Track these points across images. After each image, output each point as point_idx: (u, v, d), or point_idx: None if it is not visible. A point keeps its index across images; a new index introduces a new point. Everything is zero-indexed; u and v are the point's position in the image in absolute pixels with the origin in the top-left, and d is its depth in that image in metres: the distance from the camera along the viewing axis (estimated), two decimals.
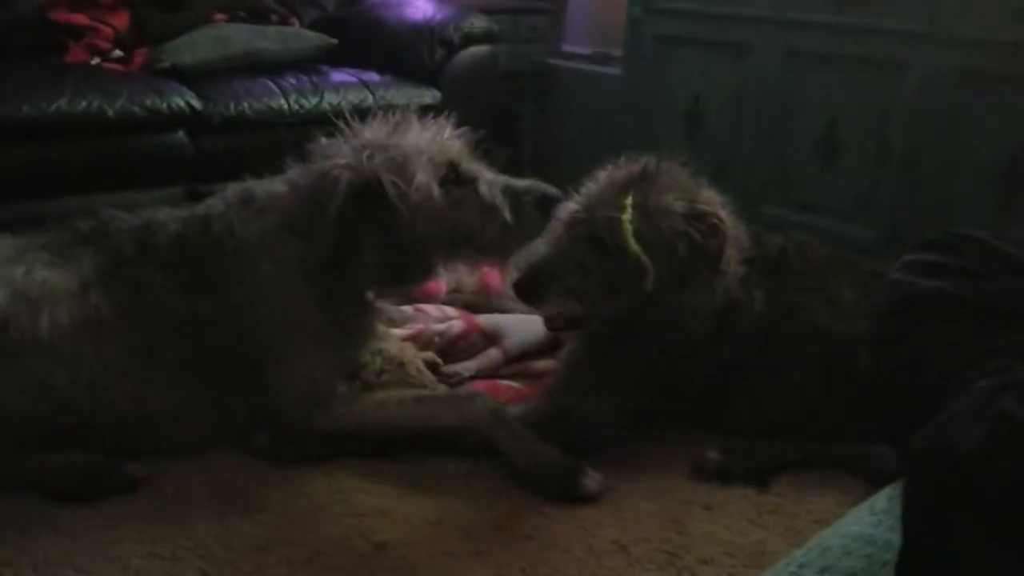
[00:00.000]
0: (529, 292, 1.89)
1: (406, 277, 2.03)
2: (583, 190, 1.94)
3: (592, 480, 1.85)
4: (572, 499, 1.84)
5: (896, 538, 1.06)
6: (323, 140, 1.98)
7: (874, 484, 1.60)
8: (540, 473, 1.86)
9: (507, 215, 1.90)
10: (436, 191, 1.89)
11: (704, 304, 1.92)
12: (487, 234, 1.92)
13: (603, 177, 1.93)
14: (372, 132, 1.95)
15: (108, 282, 1.85)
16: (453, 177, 1.92)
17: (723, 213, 1.91)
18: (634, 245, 1.80)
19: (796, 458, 1.98)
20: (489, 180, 1.95)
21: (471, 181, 1.94)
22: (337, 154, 1.91)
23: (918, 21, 2.90)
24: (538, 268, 1.88)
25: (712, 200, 1.93)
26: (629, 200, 1.82)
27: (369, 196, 1.86)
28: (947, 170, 2.90)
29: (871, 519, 1.15)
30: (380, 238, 1.88)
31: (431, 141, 1.94)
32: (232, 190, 2.02)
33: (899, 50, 2.96)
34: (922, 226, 2.66)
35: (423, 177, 1.88)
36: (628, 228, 1.81)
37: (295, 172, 1.99)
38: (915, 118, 2.94)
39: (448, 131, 1.97)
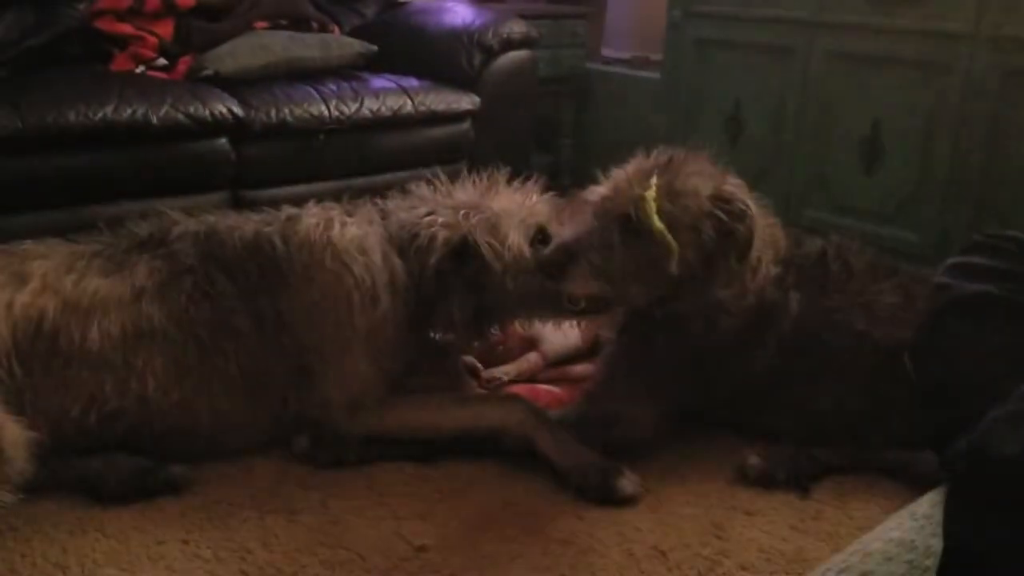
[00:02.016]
0: (554, 268, 1.87)
1: (484, 333, 2.11)
2: (610, 175, 1.94)
3: (629, 482, 1.85)
4: (609, 501, 1.83)
5: (937, 544, 1.04)
6: (422, 187, 2.10)
7: (917, 489, 1.58)
8: (578, 474, 1.86)
9: None
10: (527, 251, 1.98)
11: (736, 299, 1.90)
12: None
13: (630, 164, 1.92)
14: (464, 193, 2.06)
15: (164, 290, 1.86)
16: (541, 239, 2.02)
17: (750, 200, 1.87)
18: (658, 223, 1.79)
19: (838, 464, 1.96)
20: None
21: None
22: (434, 210, 2.01)
23: (963, 22, 2.86)
24: (564, 246, 1.87)
25: (739, 187, 1.90)
26: (654, 180, 1.82)
27: (464, 254, 1.95)
28: (993, 172, 2.85)
29: (912, 524, 1.14)
30: (470, 294, 1.97)
31: (521, 204, 2.04)
32: (326, 202, 2.10)
33: (943, 51, 2.93)
34: (968, 229, 2.63)
35: (515, 237, 1.98)
36: (652, 205, 1.79)
37: (395, 203, 2.09)
38: (960, 119, 2.90)
39: (536, 195, 2.08)
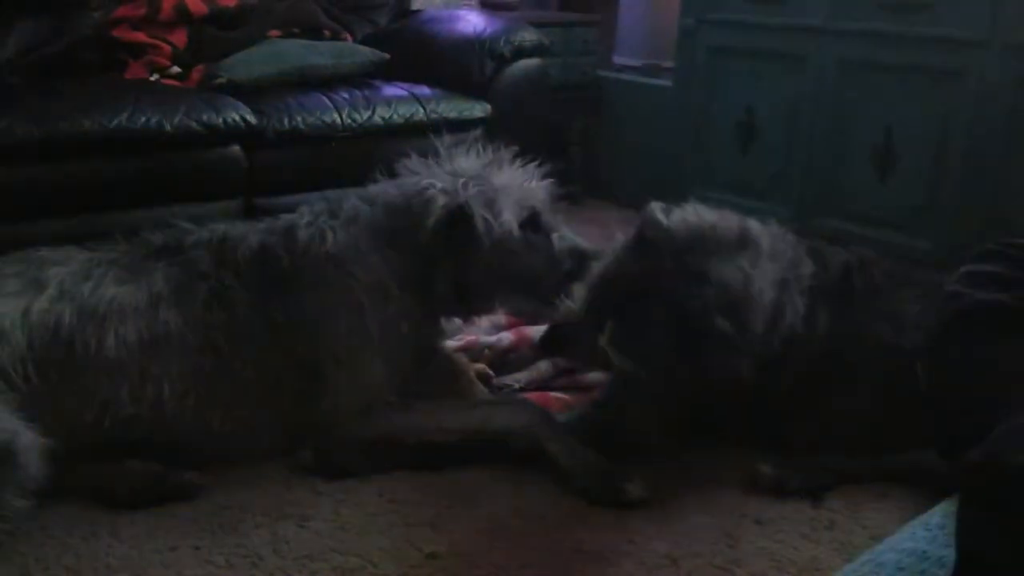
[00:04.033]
0: (549, 350, 2.07)
1: (468, 308, 2.12)
2: (604, 258, 2.00)
3: (637, 486, 1.85)
4: (616, 504, 1.84)
5: (950, 554, 1.04)
6: (415, 158, 2.11)
7: (930, 499, 1.57)
8: (585, 477, 1.87)
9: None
10: (517, 232, 2.01)
11: (763, 345, 1.88)
12: (546, 285, 2.04)
13: (616, 251, 1.97)
14: (467, 162, 2.08)
15: (181, 297, 1.88)
16: (532, 225, 2.05)
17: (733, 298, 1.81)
18: (617, 360, 1.87)
19: (851, 473, 1.95)
20: (561, 236, 2.08)
21: (547, 231, 2.06)
22: (433, 175, 2.04)
23: (977, 28, 2.85)
24: (557, 329, 2.04)
25: (740, 277, 1.84)
26: (610, 325, 1.86)
27: (456, 222, 1.96)
28: (1006, 179, 2.84)
29: (925, 535, 1.13)
30: (456, 264, 2.00)
31: (520, 184, 2.06)
32: (314, 203, 2.12)
33: (957, 58, 2.92)
34: (981, 237, 2.61)
35: (509, 216, 2.00)
36: (610, 350, 1.86)
37: (382, 186, 2.11)
38: (974, 126, 2.89)
39: (536, 178, 2.10)
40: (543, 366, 2.34)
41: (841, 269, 2.03)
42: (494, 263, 2.00)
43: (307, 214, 2.06)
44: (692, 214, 1.94)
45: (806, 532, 1.80)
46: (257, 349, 1.90)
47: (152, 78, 3.12)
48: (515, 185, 2.06)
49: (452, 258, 2.00)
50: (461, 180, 2.01)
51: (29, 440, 1.64)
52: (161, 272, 1.90)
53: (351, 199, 2.11)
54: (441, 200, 1.98)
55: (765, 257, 1.92)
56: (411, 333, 2.02)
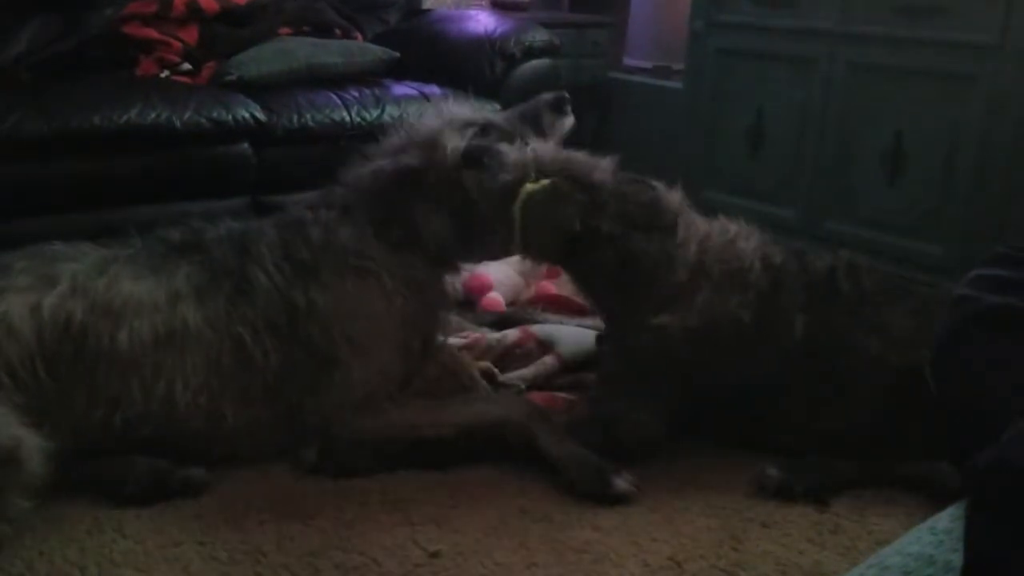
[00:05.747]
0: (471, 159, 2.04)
1: (471, 238, 2.11)
2: (562, 150, 2.07)
3: (624, 481, 1.85)
4: (603, 498, 1.84)
5: (957, 559, 1.03)
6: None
7: (937, 503, 1.57)
8: (574, 470, 1.87)
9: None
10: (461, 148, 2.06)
11: (678, 321, 1.91)
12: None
13: (577, 157, 2.03)
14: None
15: (206, 293, 1.87)
16: (483, 133, 2.12)
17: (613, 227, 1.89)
18: (517, 212, 1.89)
19: (857, 477, 1.94)
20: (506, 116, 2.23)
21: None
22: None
23: (989, 33, 2.84)
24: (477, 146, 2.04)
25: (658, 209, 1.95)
26: (548, 181, 1.90)
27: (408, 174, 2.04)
28: (1017, 183, 2.83)
29: (932, 539, 1.12)
30: (433, 200, 2.04)
31: (462, 110, 2.18)
32: (307, 199, 2.15)
33: (969, 62, 2.91)
34: (992, 241, 2.60)
35: (454, 141, 2.05)
36: (524, 195, 1.89)
37: (357, 167, 2.14)
38: (985, 131, 2.88)
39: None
40: (548, 360, 2.34)
41: (825, 272, 2.01)
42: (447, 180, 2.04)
43: (305, 210, 2.07)
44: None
45: (811, 536, 1.79)
46: (277, 338, 1.89)
47: (163, 75, 3.13)
48: (455, 113, 2.15)
49: (427, 195, 2.03)
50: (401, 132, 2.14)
51: (33, 444, 1.63)
52: (184, 270, 1.89)
53: (336, 190, 2.11)
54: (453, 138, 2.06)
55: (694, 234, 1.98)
56: (417, 311, 2.03)
